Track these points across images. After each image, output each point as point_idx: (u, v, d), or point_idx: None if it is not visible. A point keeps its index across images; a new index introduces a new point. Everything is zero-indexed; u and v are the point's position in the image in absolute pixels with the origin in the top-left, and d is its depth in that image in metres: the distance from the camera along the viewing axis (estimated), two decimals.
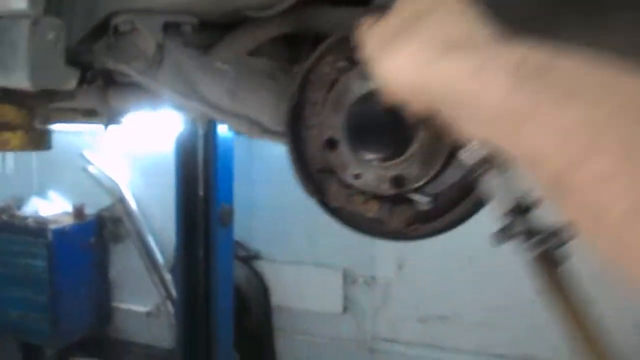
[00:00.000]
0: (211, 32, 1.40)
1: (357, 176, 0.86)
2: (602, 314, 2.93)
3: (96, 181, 5.19)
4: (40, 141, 1.06)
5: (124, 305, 5.40)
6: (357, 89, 0.84)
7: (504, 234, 0.66)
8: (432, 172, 0.83)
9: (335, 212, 0.94)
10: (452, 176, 0.84)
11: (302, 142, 0.93)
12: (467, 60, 0.53)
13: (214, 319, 4.40)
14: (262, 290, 4.86)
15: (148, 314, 5.26)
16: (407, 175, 0.83)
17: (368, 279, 4.65)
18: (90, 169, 5.21)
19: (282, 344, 4.86)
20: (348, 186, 0.90)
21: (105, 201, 5.25)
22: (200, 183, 4.40)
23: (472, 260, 4.34)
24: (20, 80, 0.90)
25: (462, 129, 0.57)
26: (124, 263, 5.35)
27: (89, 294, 5.15)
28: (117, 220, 5.26)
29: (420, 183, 0.84)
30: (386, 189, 0.85)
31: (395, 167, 0.84)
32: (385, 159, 0.83)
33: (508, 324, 4.32)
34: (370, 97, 0.82)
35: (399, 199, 0.87)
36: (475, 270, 4.34)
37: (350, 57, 0.85)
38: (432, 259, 4.44)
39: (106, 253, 5.35)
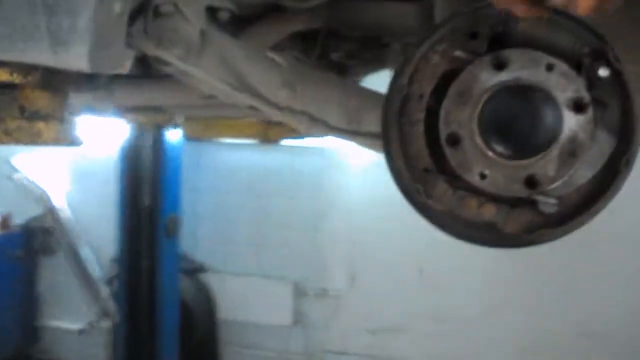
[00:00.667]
0: (236, 23, 1.30)
1: (482, 176, 0.79)
2: (548, 321, 2.99)
3: (24, 189, 4.80)
4: (74, 135, 0.91)
5: (53, 323, 5.01)
6: (488, 80, 0.77)
7: None
8: (567, 173, 0.77)
9: (436, 217, 0.86)
10: (580, 178, 0.79)
11: (405, 138, 0.85)
12: None
13: (158, 335, 4.17)
14: (208, 303, 4.66)
15: (80, 331, 4.90)
16: (541, 176, 0.77)
17: (319, 291, 4.58)
18: (17, 177, 4.81)
19: (229, 359, 4.67)
20: (459, 187, 0.83)
21: (34, 211, 4.86)
22: (147, 192, 4.18)
23: (423, 271, 4.38)
24: (76, 58, 0.77)
25: None
26: (55, 277, 4.97)
27: (14, 310, 4.73)
28: (47, 231, 4.89)
29: (555, 184, 0.78)
30: (518, 189, 0.79)
31: (529, 167, 0.78)
32: (523, 157, 0.76)
33: (458, 335, 4.38)
34: (508, 89, 0.75)
35: (516, 202, 0.81)
36: (426, 281, 4.38)
37: (471, 48, 0.79)
38: (383, 271, 4.44)
39: (35, 266, 4.96)
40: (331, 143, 4.30)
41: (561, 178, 0.77)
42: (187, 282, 4.61)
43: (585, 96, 0.76)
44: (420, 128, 0.84)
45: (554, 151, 0.76)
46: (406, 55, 0.84)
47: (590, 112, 0.76)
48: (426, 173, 0.85)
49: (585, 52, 0.77)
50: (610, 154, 0.79)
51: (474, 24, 0.80)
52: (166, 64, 1.04)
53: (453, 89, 0.79)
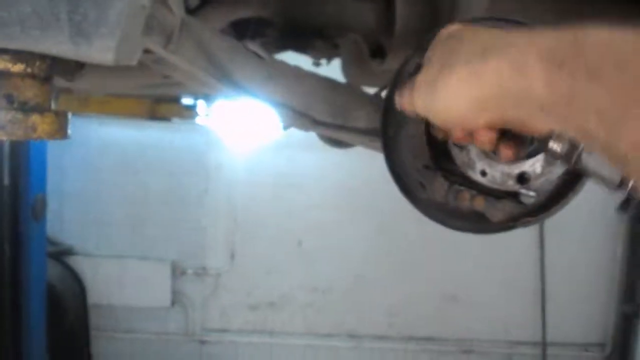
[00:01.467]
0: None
1: (483, 173, 0.88)
2: (415, 287, 3.38)
3: None
4: (66, 128, 0.84)
5: None
6: None
7: (627, 205, 0.73)
8: (550, 171, 0.89)
9: (433, 210, 0.94)
10: (554, 174, 0.91)
11: (409, 137, 0.92)
12: (506, 59, 0.56)
13: (24, 325, 3.87)
14: (77, 288, 4.40)
15: None
16: (530, 173, 0.88)
17: (198, 270, 4.53)
18: None
19: (102, 345, 4.47)
20: (454, 182, 0.91)
21: None
22: (6, 169, 3.81)
23: (302, 243, 4.53)
24: (100, 51, 0.72)
25: (532, 126, 0.61)
26: None
27: None
28: None
29: (540, 180, 0.89)
30: (511, 185, 0.89)
31: (521, 165, 0.88)
32: (521, 158, 0.86)
33: (333, 305, 4.61)
34: None
35: (501, 194, 0.92)
36: (304, 254, 4.54)
37: None
38: (264, 246, 4.52)
39: None
40: (212, 121, 4.24)
41: (546, 175, 0.89)
42: (54, 267, 4.30)
43: None
44: (422, 128, 0.91)
45: (548, 151, 0.88)
46: (410, 59, 0.89)
47: None
48: (426, 169, 0.92)
49: None
50: (577, 154, 0.93)
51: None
52: (145, 51, 0.99)
53: None
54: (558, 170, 0.93)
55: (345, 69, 1.78)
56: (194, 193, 4.49)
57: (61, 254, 4.44)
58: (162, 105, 3.07)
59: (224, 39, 1.07)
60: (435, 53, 0.69)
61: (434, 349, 4.57)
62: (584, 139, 0.53)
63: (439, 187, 0.93)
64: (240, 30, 1.68)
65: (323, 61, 2.18)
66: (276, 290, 4.59)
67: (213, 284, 4.56)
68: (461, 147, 0.88)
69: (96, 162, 4.47)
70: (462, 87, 0.62)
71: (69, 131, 0.86)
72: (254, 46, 1.06)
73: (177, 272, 4.50)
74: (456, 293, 4.56)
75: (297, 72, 1.08)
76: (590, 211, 4.34)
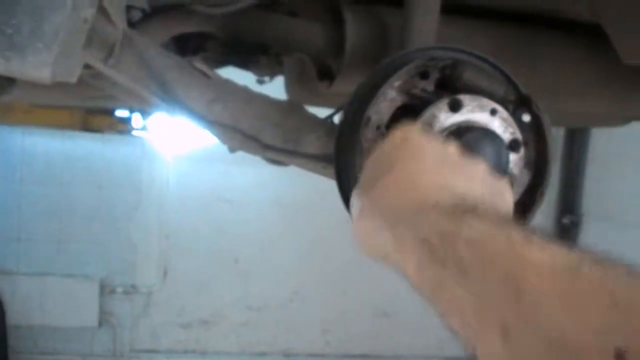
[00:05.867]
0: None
1: None
2: (349, 305, 3.40)
3: None
4: None
5: None
6: (445, 120, 0.82)
7: None
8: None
9: None
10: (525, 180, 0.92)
11: (361, 165, 0.89)
12: (391, 235, 0.58)
13: None
14: None
15: None
16: None
17: (128, 288, 4.35)
18: None
19: None
20: None
21: None
22: None
23: (239, 261, 4.44)
24: (35, 66, 0.65)
25: None
26: None
27: None
28: None
29: None
30: None
31: None
32: None
33: (268, 323, 4.54)
34: (461, 129, 0.82)
35: None
36: (240, 271, 4.45)
37: (421, 87, 0.85)
38: (198, 262, 4.40)
39: None
40: (145, 133, 4.10)
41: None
42: None
43: (520, 138, 0.88)
44: None
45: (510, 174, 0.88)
46: (366, 86, 0.87)
47: (522, 151, 0.89)
48: None
49: (511, 99, 0.90)
50: (527, 185, 0.94)
51: (426, 64, 0.87)
52: (84, 66, 0.92)
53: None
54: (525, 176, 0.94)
55: (290, 87, 1.75)
56: (124, 207, 4.32)
57: None
58: (95, 117, 2.93)
59: (169, 55, 1.01)
60: (371, 168, 0.71)
61: None
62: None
63: None
64: (182, 43, 1.62)
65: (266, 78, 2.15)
66: (209, 308, 4.47)
67: (143, 302, 4.38)
68: None
69: (18, 172, 4.22)
70: (365, 235, 0.66)
71: None
72: (201, 64, 1.00)
73: (105, 290, 4.30)
74: (388, 309, 4.59)
75: (246, 94, 1.03)
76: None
